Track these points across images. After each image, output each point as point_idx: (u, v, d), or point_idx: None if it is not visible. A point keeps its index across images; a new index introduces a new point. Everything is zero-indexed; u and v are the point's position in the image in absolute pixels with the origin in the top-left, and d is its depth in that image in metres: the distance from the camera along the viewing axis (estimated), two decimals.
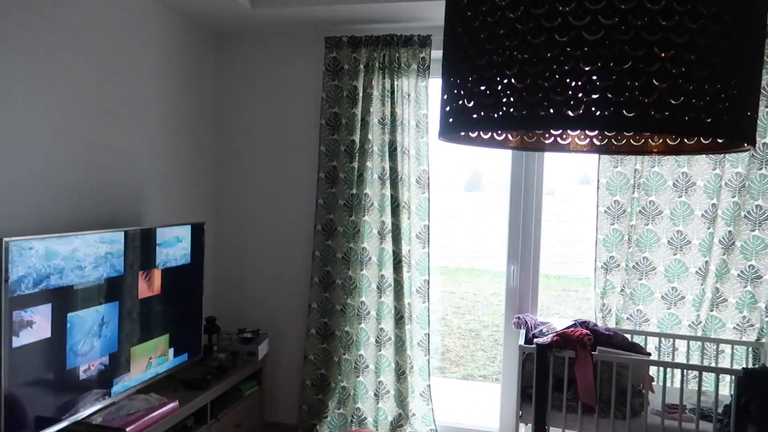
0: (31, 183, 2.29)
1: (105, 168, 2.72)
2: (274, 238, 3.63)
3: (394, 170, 3.30)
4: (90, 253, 2.19)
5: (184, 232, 2.86)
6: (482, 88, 0.78)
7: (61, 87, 2.43)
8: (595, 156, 3.12)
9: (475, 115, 0.79)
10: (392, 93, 3.28)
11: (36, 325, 1.94)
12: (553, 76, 0.71)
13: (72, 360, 2.13)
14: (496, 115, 0.76)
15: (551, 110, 0.71)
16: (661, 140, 1.02)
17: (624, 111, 0.69)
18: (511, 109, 0.74)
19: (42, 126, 2.34)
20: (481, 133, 1.06)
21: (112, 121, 2.76)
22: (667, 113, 0.68)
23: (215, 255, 3.72)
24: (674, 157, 3.00)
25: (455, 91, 0.82)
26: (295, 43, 3.55)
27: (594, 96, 0.69)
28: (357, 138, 3.32)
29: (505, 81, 0.75)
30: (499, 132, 1.05)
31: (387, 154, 3.31)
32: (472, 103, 0.79)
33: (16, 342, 1.87)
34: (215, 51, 3.64)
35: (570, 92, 0.70)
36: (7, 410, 1.85)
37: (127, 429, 2.17)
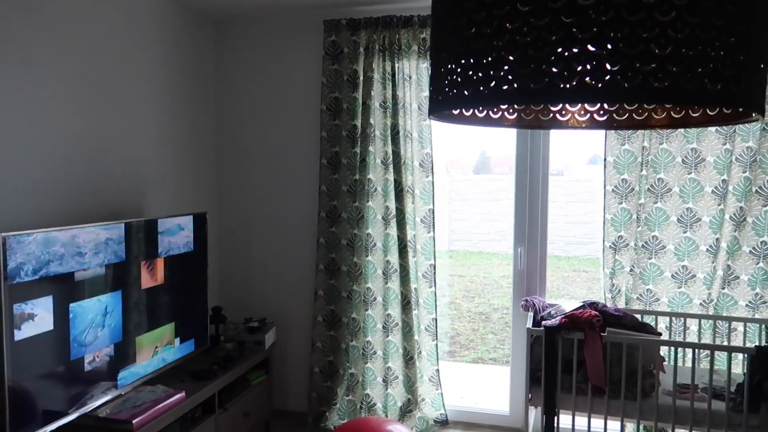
0: (30, 176, 2.27)
1: (104, 160, 2.70)
2: (278, 226, 3.61)
3: (396, 154, 3.25)
4: (90, 242, 2.17)
5: (187, 223, 2.84)
6: (471, 61, 0.73)
7: (58, 79, 2.40)
8: (603, 134, 3.05)
9: (465, 91, 0.74)
10: (393, 76, 3.22)
11: (38, 318, 1.93)
12: (544, 46, 0.66)
13: (76, 351, 2.12)
14: (486, 90, 0.72)
15: (544, 82, 0.67)
16: (664, 113, 0.97)
17: (621, 81, 0.64)
18: (502, 83, 0.70)
19: (38, 118, 2.31)
20: (476, 111, 1.02)
21: (110, 112, 2.73)
22: (668, 82, 0.64)
23: (219, 245, 3.71)
24: (683, 133, 2.93)
25: (443, 67, 0.78)
26: (293, 27, 3.49)
27: (589, 66, 0.65)
28: (358, 122, 3.27)
29: (495, 53, 0.70)
30: (495, 109, 1.01)
31: (389, 138, 3.27)
32: (461, 79, 0.75)
33: (18, 335, 1.86)
34: (213, 38, 3.60)
35: (563, 62, 0.65)
36: (12, 405, 1.85)
37: (134, 421, 2.17)
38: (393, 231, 3.31)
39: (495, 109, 1.02)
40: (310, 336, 3.56)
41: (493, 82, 0.71)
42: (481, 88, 0.72)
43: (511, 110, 1.02)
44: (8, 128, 2.18)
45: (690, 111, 0.93)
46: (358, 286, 3.35)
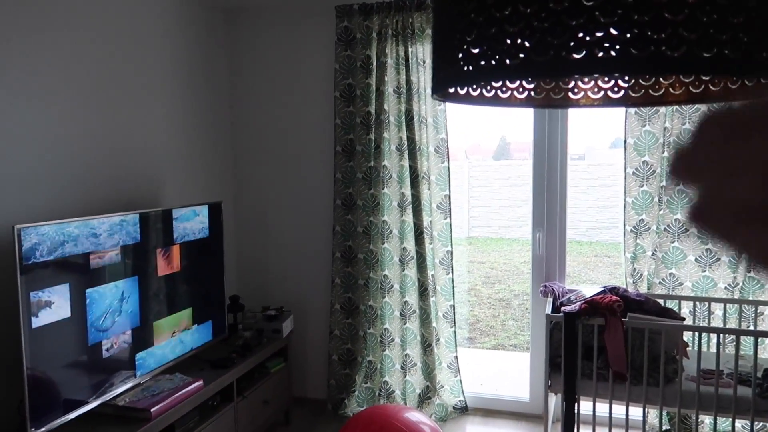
0: (46, 170, 2.29)
1: (119, 151, 2.71)
2: (294, 214, 3.60)
3: (411, 140, 3.21)
4: (106, 231, 2.19)
5: (202, 212, 2.84)
6: (473, 36, 0.69)
7: (70, 73, 2.40)
8: (624, 116, 2.97)
9: (466, 67, 0.71)
10: (407, 60, 3.17)
11: (54, 305, 1.95)
12: (550, 16, 0.62)
13: (94, 336, 2.14)
14: (489, 66, 0.68)
15: (550, 55, 0.63)
16: (682, 87, 0.92)
17: (632, 50, 0.60)
18: (507, 58, 0.66)
19: (52, 111, 2.32)
20: (483, 90, 0.98)
21: (125, 104, 2.73)
22: (683, 50, 0.59)
23: (236, 234, 3.72)
24: (706, 111, 2.83)
25: (445, 42, 0.74)
26: (305, 13, 3.45)
27: (597, 35, 0.61)
28: (373, 109, 3.24)
29: (498, 26, 0.67)
30: (503, 88, 0.97)
31: (404, 124, 3.23)
32: (463, 54, 0.71)
33: (36, 323, 1.88)
34: (225, 27, 3.58)
35: (570, 33, 0.62)
36: (31, 393, 1.87)
37: (152, 409, 2.19)
38: (409, 218, 3.28)
39: (503, 88, 0.98)
40: (328, 324, 3.56)
41: (497, 57, 0.67)
42: (484, 64, 0.68)
43: (520, 89, 0.98)
44: (24, 121, 2.20)
45: (710, 84, 0.88)
46: (375, 273, 3.33)
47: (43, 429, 1.91)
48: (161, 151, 3.01)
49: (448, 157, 3.24)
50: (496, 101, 1.00)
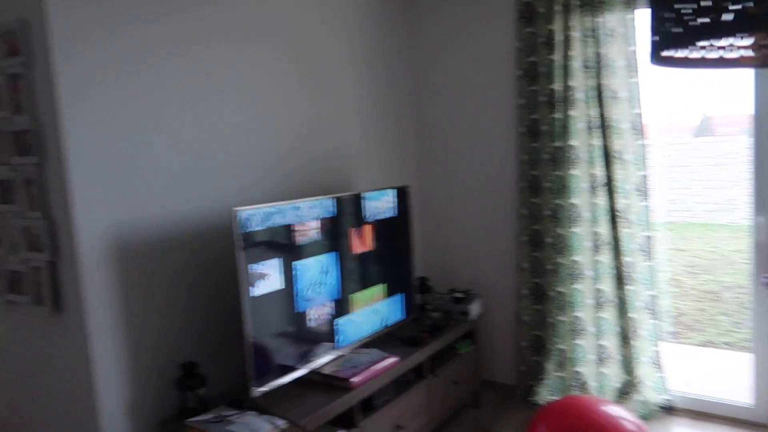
0: (255, 158, 2.60)
1: (315, 142, 2.96)
2: (478, 198, 3.60)
3: (602, 117, 3.01)
4: (306, 212, 2.42)
5: (390, 194, 2.97)
6: None
7: (273, 71, 2.69)
8: None
9: (692, 23, 0.65)
10: (594, 32, 2.97)
11: (268, 277, 2.21)
12: None
13: (302, 306, 2.39)
14: (721, 20, 0.62)
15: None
16: None
17: None
18: (740, 5, 0.59)
19: (257, 105, 2.62)
20: (705, 53, 0.88)
21: (318, 96, 2.98)
22: None
23: (422, 218, 3.83)
24: None
25: (662, 4, 0.69)
26: None
27: None
28: (558, 86, 3.10)
29: None
30: (729, 46, 0.86)
31: (593, 100, 3.03)
32: (691, 10, 0.65)
33: (253, 292, 2.15)
34: (404, 15, 3.67)
35: None
36: (254, 356, 2.15)
37: (353, 380, 2.37)
38: (601, 200, 3.09)
39: (729, 46, 0.88)
40: (515, 309, 3.51)
41: (713, 13, 0.61)
42: (716, 17, 0.62)
43: (755, 46, 0.87)
44: (235, 116, 2.51)
45: None
46: (564, 258, 3.20)
47: (263, 388, 2.18)
48: (353, 140, 3.22)
49: (643, 134, 2.98)
50: (719, 63, 0.90)
